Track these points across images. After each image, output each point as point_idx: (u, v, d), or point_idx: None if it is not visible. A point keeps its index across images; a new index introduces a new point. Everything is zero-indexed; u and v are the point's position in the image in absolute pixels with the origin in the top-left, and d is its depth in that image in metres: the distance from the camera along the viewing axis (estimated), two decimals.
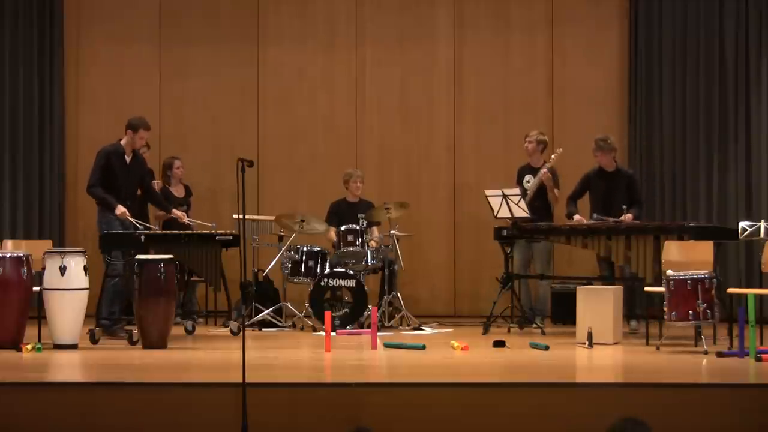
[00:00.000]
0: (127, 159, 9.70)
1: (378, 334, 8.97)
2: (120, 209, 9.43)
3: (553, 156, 10.44)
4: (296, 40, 11.90)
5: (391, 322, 10.27)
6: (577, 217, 10.02)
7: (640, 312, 9.88)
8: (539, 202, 10.39)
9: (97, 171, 9.55)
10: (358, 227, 10.26)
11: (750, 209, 11.09)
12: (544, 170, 10.35)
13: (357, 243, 10.24)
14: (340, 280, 10.07)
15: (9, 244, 9.70)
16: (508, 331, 9.98)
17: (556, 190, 10.48)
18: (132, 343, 8.85)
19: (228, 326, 9.81)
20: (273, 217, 10.68)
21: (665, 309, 8.44)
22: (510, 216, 9.97)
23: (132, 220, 9.50)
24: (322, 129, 11.90)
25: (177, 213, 10.06)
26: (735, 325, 8.52)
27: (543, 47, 11.80)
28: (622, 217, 9.70)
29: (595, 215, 9.89)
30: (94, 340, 8.94)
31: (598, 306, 8.99)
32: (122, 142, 9.68)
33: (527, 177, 10.57)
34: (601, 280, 9.90)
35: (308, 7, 11.94)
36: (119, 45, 11.84)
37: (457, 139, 11.85)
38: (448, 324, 10.70)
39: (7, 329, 8.50)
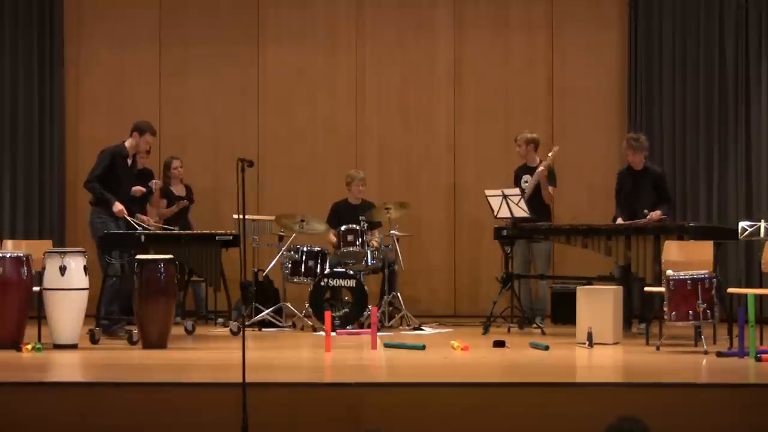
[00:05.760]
0: (128, 161, 9.71)
1: (378, 334, 8.97)
2: (117, 206, 9.42)
3: (549, 154, 10.42)
4: (296, 40, 11.90)
5: (391, 322, 10.27)
6: (619, 220, 9.95)
7: (650, 314, 9.80)
8: (536, 200, 10.37)
9: (99, 169, 9.53)
10: (358, 227, 10.26)
11: (750, 209, 11.09)
12: (541, 168, 10.34)
13: (357, 243, 10.24)
14: (340, 280, 10.07)
15: (9, 244, 9.70)
16: (508, 331, 9.98)
17: (551, 188, 10.45)
18: (132, 343, 8.85)
19: (228, 326, 9.81)
20: (273, 217, 10.68)
21: (665, 309, 8.44)
22: (510, 216, 9.97)
23: (129, 218, 9.49)
24: (322, 129, 11.90)
25: (142, 217, 9.99)
26: (735, 325, 8.52)
27: (543, 47, 11.80)
28: (648, 216, 9.65)
29: (619, 221, 9.85)
30: (94, 340, 8.93)
31: (598, 306, 8.98)
32: (126, 144, 9.67)
33: (525, 177, 10.55)
34: (610, 280, 9.83)
35: (308, 7, 11.94)
36: (119, 45, 11.85)
37: (457, 139, 11.85)
38: (448, 324, 10.70)
39: (7, 329, 8.49)
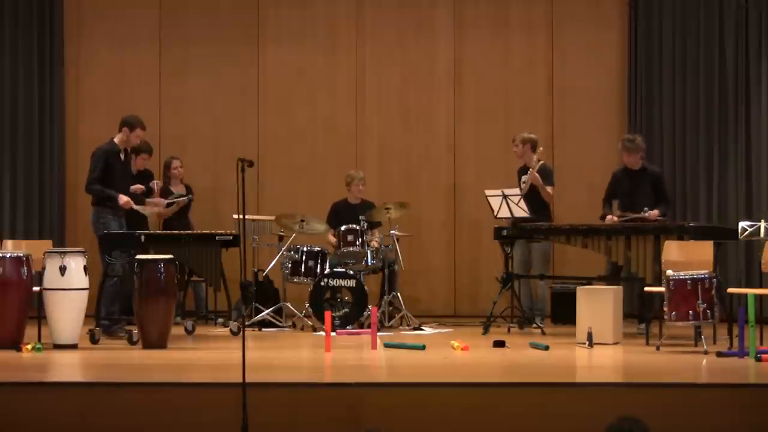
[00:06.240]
0: (122, 157, 9.71)
1: (378, 334, 8.97)
2: (122, 198, 9.43)
3: (535, 157, 10.41)
4: (296, 40, 11.90)
5: (391, 322, 10.27)
6: (608, 217, 9.96)
7: (651, 314, 9.78)
8: (538, 203, 10.35)
9: (96, 170, 9.53)
10: (358, 227, 10.26)
11: (750, 209, 11.09)
12: (531, 171, 10.34)
13: (357, 243, 10.24)
14: (340, 280, 10.07)
15: (9, 244, 9.70)
16: (508, 331, 9.98)
17: (549, 188, 10.45)
18: (132, 343, 8.84)
19: (228, 326, 9.81)
20: (273, 217, 10.68)
21: (665, 309, 8.44)
22: (510, 216, 9.97)
23: (136, 206, 9.51)
24: (322, 129, 11.90)
25: (151, 200, 10.13)
26: (735, 325, 8.52)
27: (543, 47, 11.79)
28: (647, 213, 9.67)
29: (608, 219, 9.85)
30: (94, 340, 8.93)
31: (598, 306, 8.99)
32: (116, 140, 9.68)
33: (524, 177, 10.55)
34: (604, 280, 9.85)
35: (308, 7, 11.94)
36: (119, 45, 11.85)
37: (457, 139, 11.85)
38: (448, 324, 10.70)
39: (7, 329, 8.49)
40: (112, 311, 9.40)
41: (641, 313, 9.83)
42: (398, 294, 10.41)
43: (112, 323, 9.37)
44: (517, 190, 10.10)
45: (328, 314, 8.91)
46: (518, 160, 10.74)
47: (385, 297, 10.27)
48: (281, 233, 10.61)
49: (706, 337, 8.54)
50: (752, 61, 11.25)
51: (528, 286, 10.59)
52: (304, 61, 11.90)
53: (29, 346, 8.41)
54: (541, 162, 10.47)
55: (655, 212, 9.76)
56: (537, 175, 10.31)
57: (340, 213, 10.75)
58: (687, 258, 8.91)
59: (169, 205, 10.67)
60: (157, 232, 10.08)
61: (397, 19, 11.90)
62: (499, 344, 8.83)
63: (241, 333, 6.70)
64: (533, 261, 10.51)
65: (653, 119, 11.44)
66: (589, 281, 9.83)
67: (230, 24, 11.90)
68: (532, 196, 10.28)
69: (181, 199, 10.74)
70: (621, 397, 6.64)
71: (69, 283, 8.65)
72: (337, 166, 11.51)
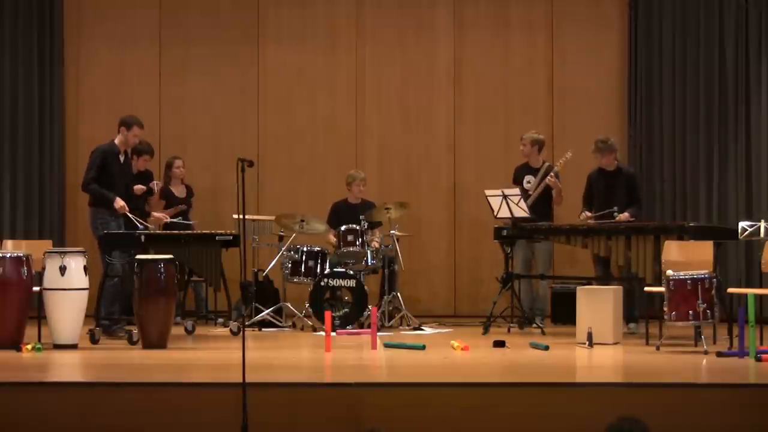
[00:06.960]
0: (121, 158, 9.72)
1: (378, 334, 8.97)
2: (119, 203, 9.43)
3: (561, 160, 10.42)
4: (296, 40, 11.90)
5: (391, 322, 10.27)
6: (583, 215, 9.99)
7: (639, 313, 9.83)
8: (542, 203, 10.36)
9: (93, 169, 9.54)
10: (358, 227, 10.26)
11: (750, 209, 11.09)
12: (551, 176, 10.32)
13: (357, 243, 10.24)
14: (340, 280, 10.07)
15: (9, 244, 9.70)
16: (508, 331, 9.98)
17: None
18: (132, 343, 8.84)
19: (228, 326, 9.81)
20: (273, 217, 10.68)
21: (665, 309, 8.44)
22: (510, 216, 9.97)
23: (130, 215, 9.51)
24: (322, 129, 11.90)
25: (157, 215, 10.15)
26: (735, 325, 8.52)
27: (543, 47, 11.80)
28: (617, 217, 9.70)
29: (584, 215, 9.90)
30: (94, 340, 8.93)
31: (598, 306, 8.99)
32: (116, 141, 9.69)
33: (528, 177, 10.54)
34: (597, 281, 9.88)
35: (308, 7, 11.94)
36: (119, 45, 11.85)
37: (457, 139, 11.85)
38: (448, 324, 10.70)
39: (7, 329, 8.49)
40: (112, 311, 9.40)
41: (628, 313, 9.75)
42: (398, 294, 10.41)
43: (112, 323, 9.38)
44: (517, 190, 10.09)
45: (328, 314, 8.91)
46: (518, 158, 10.74)
47: (385, 297, 10.27)
48: (281, 233, 10.61)
49: (706, 337, 8.54)
50: (752, 61, 11.25)
51: (528, 286, 10.58)
52: (304, 61, 11.90)
53: (29, 346, 8.41)
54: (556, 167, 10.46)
55: (625, 215, 9.78)
56: (556, 180, 10.32)
57: (341, 213, 10.75)
58: (687, 258, 8.91)
59: (167, 206, 10.72)
60: (157, 232, 10.07)
61: (397, 19, 11.90)
62: (499, 344, 8.83)
63: (241, 333, 6.70)
64: (538, 261, 10.51)
65: (653, 119, 11.44)
66: (589, 281, 9.84)
67: (230, 24, 11.90)
68: (539, 198, 10.30)
69: (179, 207, 10.79)
70: (621, 397, 6.64)
71: (69, 283, 8.66)
72: (337, 166, 11.51)
